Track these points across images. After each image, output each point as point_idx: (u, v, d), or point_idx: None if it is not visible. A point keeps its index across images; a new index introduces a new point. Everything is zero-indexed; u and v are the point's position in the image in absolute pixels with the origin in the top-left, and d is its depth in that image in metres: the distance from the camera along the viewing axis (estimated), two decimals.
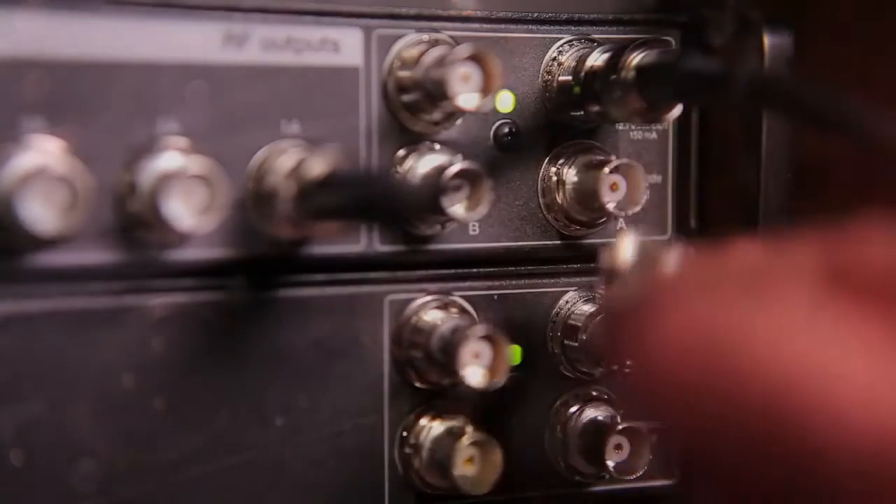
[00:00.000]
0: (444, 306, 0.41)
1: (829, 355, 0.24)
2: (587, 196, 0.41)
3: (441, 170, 0.38)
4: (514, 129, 0.42)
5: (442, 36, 0.40)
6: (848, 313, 0.24)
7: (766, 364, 0.24)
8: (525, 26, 0.42)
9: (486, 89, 0.38)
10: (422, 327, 0.40)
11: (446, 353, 0.39)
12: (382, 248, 0.40)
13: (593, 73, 0.41)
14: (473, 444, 0.40)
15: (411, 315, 0.41)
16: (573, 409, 0.43)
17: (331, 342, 0.40)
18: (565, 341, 0.43)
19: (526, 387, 0.43)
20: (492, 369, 0.39)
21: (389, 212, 0.35)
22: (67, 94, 0.36)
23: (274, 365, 0.39)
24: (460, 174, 0.38)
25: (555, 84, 0.42)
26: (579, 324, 0.42)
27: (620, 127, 0.43)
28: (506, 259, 0.43)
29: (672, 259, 0.34)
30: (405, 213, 0.38)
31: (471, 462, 0.40)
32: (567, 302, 0.43)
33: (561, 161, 0.42)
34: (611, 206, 0.41)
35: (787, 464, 0.24)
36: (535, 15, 0.42)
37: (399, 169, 0.40)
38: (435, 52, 0.38)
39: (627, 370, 0.27)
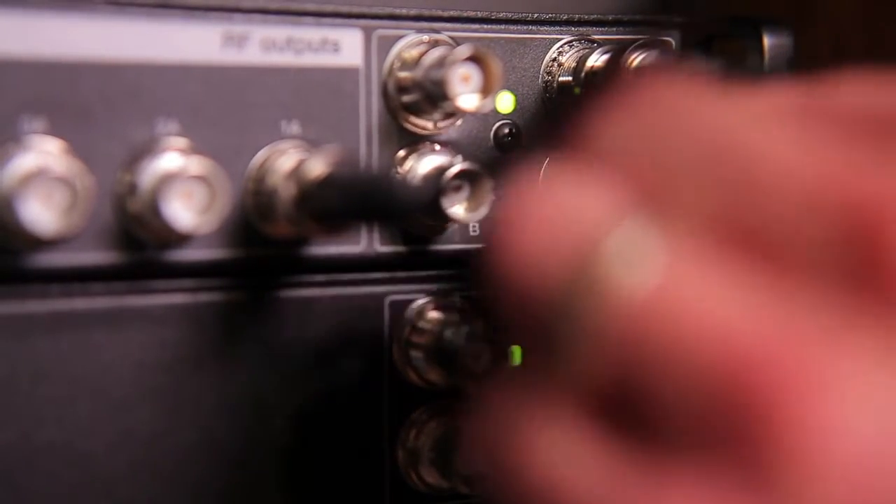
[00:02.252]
0: (445, 307, 0.41)
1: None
2: None
3: (441, 170, 0.38)
4: (514, 130, 0.42)
5: (442, 36, 0.40)
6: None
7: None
8: (525, 27, 0.42)
9: (487, 90, 0.38)
10: (422, 328, 0.40)
11: (446, 354, 0.39)
12: (383, 248, 0.40)
13: (593, 73, 0.41)
14: None
15: (412, 316, 0.41)
16: None
17: (331, 343, 0.40)
18: None
19: None
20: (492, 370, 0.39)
21: (389, 212, 0.35)
22: (67, 94, 0.36)
23: (274, 366, 0.39)
24: (461, 175, 0.38)
25: (555, 85, 0.42)
26: None
27: None
28: None
29: None
30: (405, 214, 0.38)
31: None
32: None
33: None
34: None
35: None
36: (535, 15, 0.42)
37: (399, 169, 0.40)
38: (435, 53, 0.38)
39: None
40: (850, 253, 0.22)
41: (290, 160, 0.37)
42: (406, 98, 0.39)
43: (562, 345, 0.24)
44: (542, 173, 0.26)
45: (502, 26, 0.42)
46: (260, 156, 0.38)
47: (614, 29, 0.43)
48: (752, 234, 0.23)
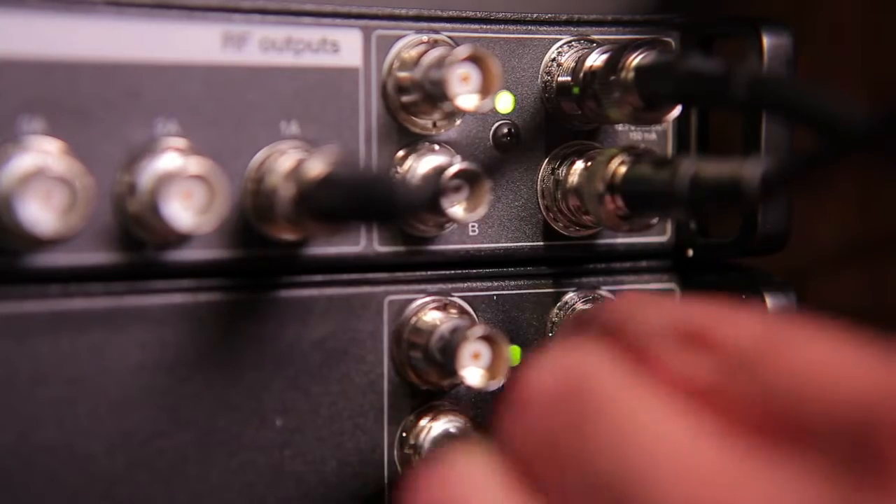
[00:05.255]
0: (444, 307, 0.41)
1: None
2: (586, 197, 0.42)
3: (440, 170, 0.38)
4: (513, 130, 0.42)
5: (441, 37, 0.40)
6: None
7: None
8: (524, 27, 0.42)
9: (486, 90, 0.38)
10: (421, 328, 0.40)
11: (446, 354, 0.39)
12: (382, 248, 0.40)
13: (592, 73, 0.41)
14: None
15: (411, 316, 0.41)
16: None
17: (330, 343, 0.40)
18: None
19: None
20: (491, 370, 0.39)
21: (388, 212, 0.35)
22: (67, 94, 0.36)
23: (273, 366, 0.39)
24: (460, 175, 0.38)
25: (554, 85, 0.42)
26: None
27: (620, 127, 0.44)
28: (505, 260, 0.43)
29: None
30: (404, 214, 0.38)
31: None
32: (566, 302, 0.43)
33: (560, 162, 0.42)
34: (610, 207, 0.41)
35: None
36: (535, 16, 0.42)
37: (398, 169, 0.40)
38: (434, 53, 0.38)
39: None
40: (854, 445, 0.24)
41: (289, 160, 0.37)
42: (405, 98, 0.39)
43: None
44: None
45: (501, 26, 0.42)
46: (259, 156, 0.38)
47: (614, 29, 0.43)
48: None
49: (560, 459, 0.26)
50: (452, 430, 0.41)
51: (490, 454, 0.28)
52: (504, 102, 0.42)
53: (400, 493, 0.29)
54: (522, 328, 0.43)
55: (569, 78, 0.42)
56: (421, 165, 0.39)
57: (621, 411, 0.26)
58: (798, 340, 0.26)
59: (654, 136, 0.44)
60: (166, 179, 0.35)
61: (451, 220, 0.39)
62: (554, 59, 0.42)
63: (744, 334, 0.26)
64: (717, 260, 0.46)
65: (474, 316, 0.42)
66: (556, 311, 0.43)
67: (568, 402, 0.27)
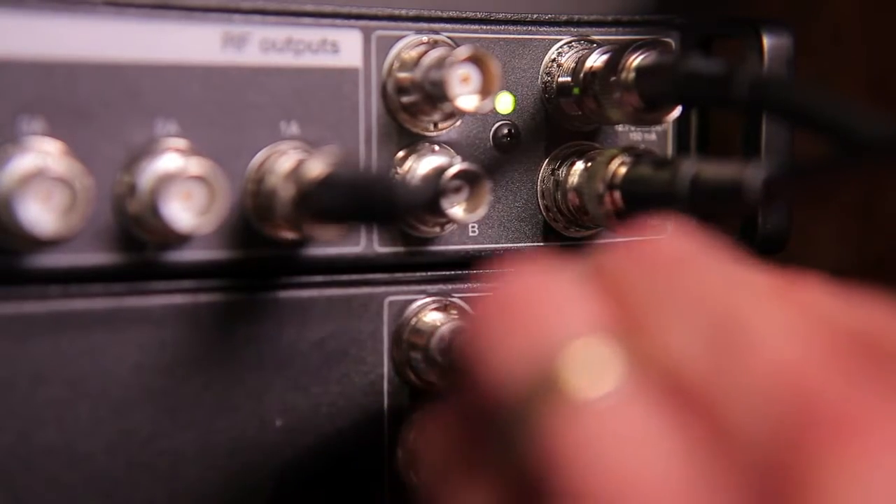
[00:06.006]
0: (444, 308, 0.41)
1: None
2: (586, 197, 0.42)
3: (440, 171, 0.38)
4: (513, 131, 0.42)
5: (441, 37, 0.40)
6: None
7: None
8: (524, 28, 0.42)
9: (486, 91, 0.38)
10: (421, 329, 0.40)
11: (446, 355, 0.39)
12: (382, 249, 0.40)
13: (593, 74, 0.41)
14: None
15: (411, 316, 0.41)
16: None
17: (330, 343, 0.40)
18: None
19: None
20: None
21: (388, 213, 0.35)
22: (66, 95, 0.36)
23: (273, 366, 0.39)
24: (460, 175, 0.38)
25: (554, 85, 0.42)
26: None
27: (620, 128, 0.44)
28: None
29: None
30: (404, 215, 0.38)
31: None
32: None
33: (560, 162, 0.42)
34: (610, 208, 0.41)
35: None
36: (535, 16, 0.42)
37: (398, 170, 0.40)
38: (434, 54, 0.38)
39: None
40: (778, 463, 0.22)
41: (289, 161, 0.37)
42: (405, 99, 0.39)
43: (504, 436, 0.25)
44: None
45: (502, 27, 0.42)
46: (259, 156, 0.38)
47: (614, 29, 0.43)
48: (707, 395, 0.24)
49: (670, 290, 0.26)
50: None
51: (578, 273, 0.27)
52: (504, 103, 0.42)
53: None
54: None
55: (569, 78, 0.42)
56: (421, 166, 0.39)
57: (741, 275, 0.26)
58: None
59: (654, 136, 0.44)
60: (166, 180, 0.35)
61: (451, 220, 0.39)
62: (554, 60, 0.42)
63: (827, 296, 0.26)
64: None
65: None
66: None
67: (698, 259, 0.27)
